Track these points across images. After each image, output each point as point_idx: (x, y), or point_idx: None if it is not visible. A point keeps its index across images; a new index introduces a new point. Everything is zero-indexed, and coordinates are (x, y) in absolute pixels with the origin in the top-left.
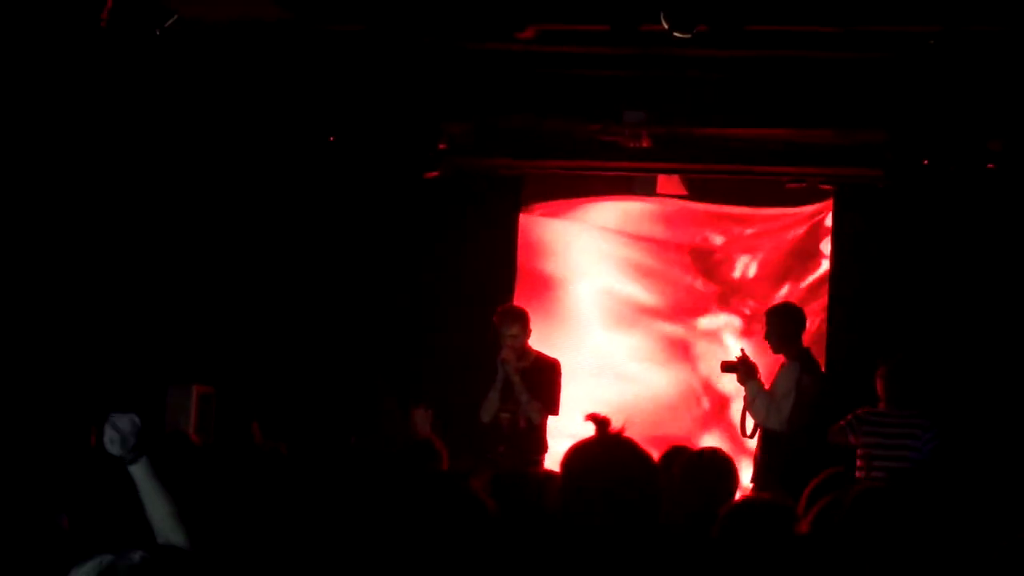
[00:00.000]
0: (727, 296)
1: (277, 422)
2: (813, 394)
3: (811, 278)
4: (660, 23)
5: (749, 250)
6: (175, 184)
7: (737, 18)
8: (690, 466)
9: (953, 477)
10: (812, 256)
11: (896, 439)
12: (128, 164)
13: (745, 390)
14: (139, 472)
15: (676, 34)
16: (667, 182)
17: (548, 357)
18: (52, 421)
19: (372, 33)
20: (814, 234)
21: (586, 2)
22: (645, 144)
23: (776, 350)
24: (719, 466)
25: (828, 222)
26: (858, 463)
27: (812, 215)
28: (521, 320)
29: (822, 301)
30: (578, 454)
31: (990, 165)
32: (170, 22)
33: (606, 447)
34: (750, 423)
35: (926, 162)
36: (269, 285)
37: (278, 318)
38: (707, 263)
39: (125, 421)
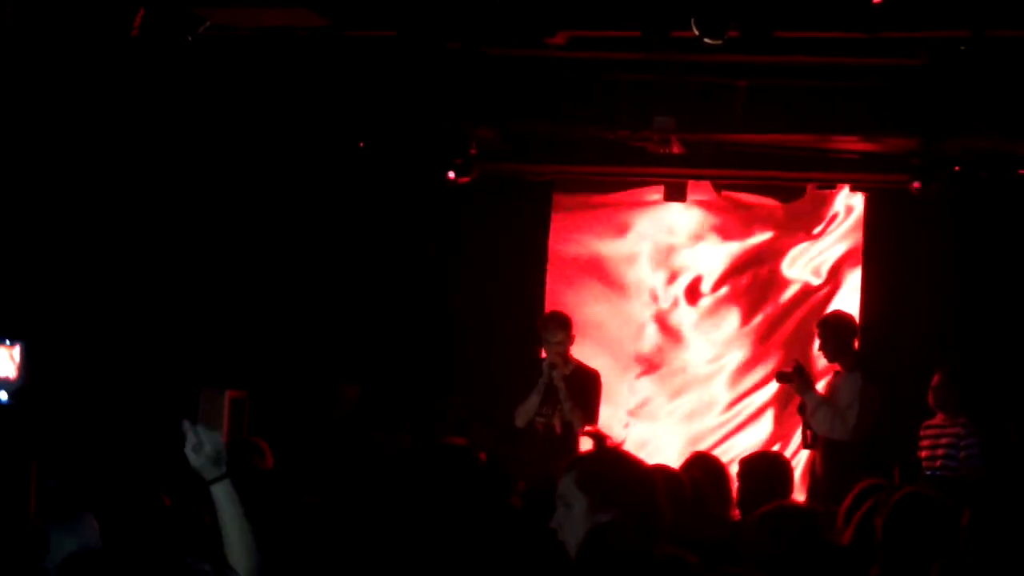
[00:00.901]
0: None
1: (307, 426)
2: (878, 404)
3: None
4: (691, 29)
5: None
6: (208, 190)
7: (767, 24)
8: (747, 468)
9: (995, 483)
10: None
11: (939, 448)
12: (160, 170)
13: (805, 401)
14: (221, 492)
15: (707, 40)
16: (698, 188)
17: (588, 367)
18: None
19: (403, 39)
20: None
21: (617, 8)
22: (675, 150)
23: (832, 359)
24: (776, 468)
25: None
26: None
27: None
28: (566, 327)
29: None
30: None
31: (1021, 171)
32: (202, 29)
33: (603, 460)
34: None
35: (957, 168)
36: (301, 290)
37: (310, 322)
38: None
39: (214, 438)
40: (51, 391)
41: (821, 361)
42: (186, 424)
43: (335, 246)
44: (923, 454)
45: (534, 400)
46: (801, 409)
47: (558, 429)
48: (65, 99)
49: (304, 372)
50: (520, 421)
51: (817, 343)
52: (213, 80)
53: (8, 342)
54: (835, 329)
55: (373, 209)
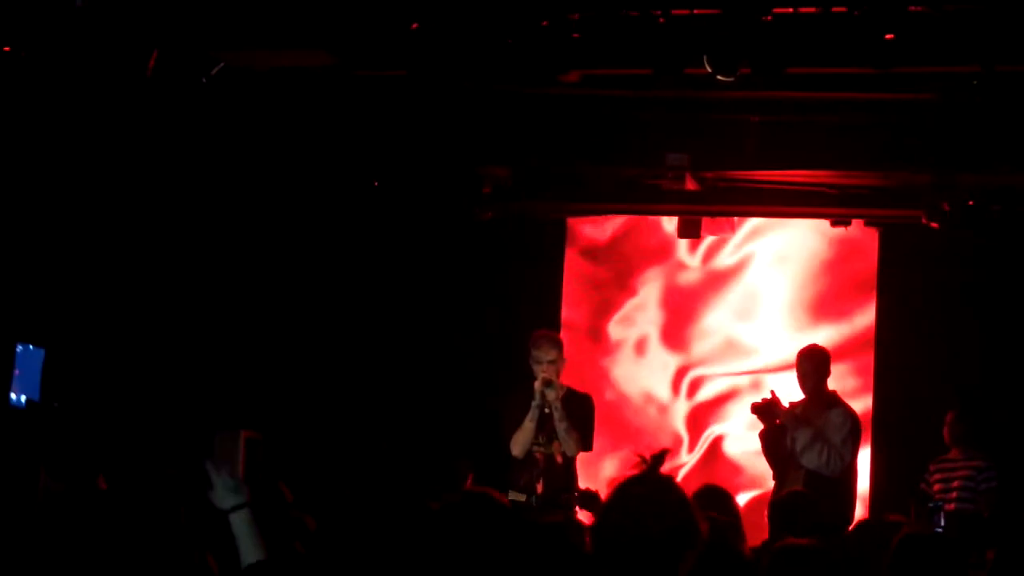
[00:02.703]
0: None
1: (325, 468)
2: (859, 438)
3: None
4: (703, 66)
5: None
6: (224, 231)
7: (779, 60)
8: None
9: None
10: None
11: (955, 480)
12: (177, 210)
13: (795, 435)
14: (238, 521)
15: (719, 77)
16: (712, 223)
17: (580, 391)
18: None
19: (416, 78)
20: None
21: (629, 46)
22: (688, 187)
23: (810, 393)
24: (800, 505)
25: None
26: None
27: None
28: (559, 346)
29: None
30: (617, 490)
31: None
32: (216, 70)
33: (645, 485)
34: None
35: (971, 203)
36: (317, 330)
37: (326, 362)
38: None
39: (226, 473)
40: (67, 401)
41: None
42: (208, 465)
43: (350, 285)
44: (936, 487)
45: (529, 426)
46: (767, 439)
47: (559, 458)
48: (82, 139)
49: (320, 413)
50: (517, 450)
51: (798, 376)
52: (228, 121)
53: (31, 348)
54: (819, 363)
55: (387, 248)
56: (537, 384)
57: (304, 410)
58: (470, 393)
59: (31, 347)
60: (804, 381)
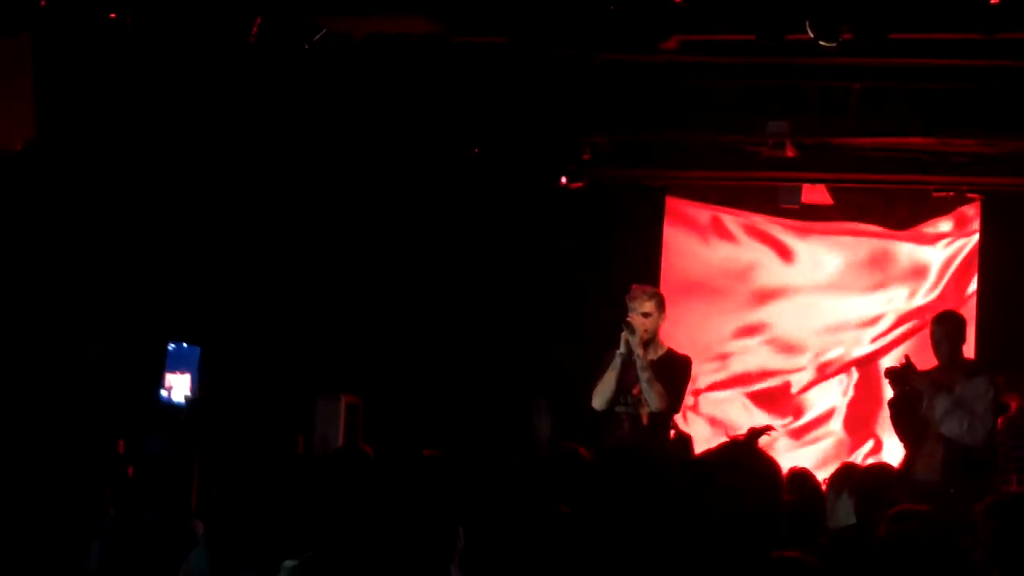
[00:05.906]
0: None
1: (422, 430)
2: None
3: None
4: (805, 32)
5: None
6: (323, 197)
7: (882, 26)
8: (856, 478)
9: None
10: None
11: None
12: (276, 175)
13: (933, 401)
14: None
15: (821, 43)
16: (812, 191)
17: (681, 352)
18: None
19: (515, 45)
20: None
21: (730, 12)
22: (788, 154)
23: (945, 359)
24: (883, 477)
25: None
26: (1012, 475)
27: None
28: (655, 299)
29: None
30: (708, 455)
31: None
32: (318, 36)
33: (738, 454)
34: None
35: None
36: (416, 296)
37: (424, 328)
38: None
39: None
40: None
41: None
42: None
43: (449, 253)
44: (1014, 453)
45: (610, 375)
46: (898, 405)
47: (644, 419)
48: (185, 105)
49: (417, 377)
50: (597, 401)
51: (932, 342)
52: (329, 86)
53: (185, 346)
54: (952, 328)
55: (487, 215)
56: (622, 330)
57: (406, 375)
58: (564, 361)
59: (184, 345)
60: (937, 347)
